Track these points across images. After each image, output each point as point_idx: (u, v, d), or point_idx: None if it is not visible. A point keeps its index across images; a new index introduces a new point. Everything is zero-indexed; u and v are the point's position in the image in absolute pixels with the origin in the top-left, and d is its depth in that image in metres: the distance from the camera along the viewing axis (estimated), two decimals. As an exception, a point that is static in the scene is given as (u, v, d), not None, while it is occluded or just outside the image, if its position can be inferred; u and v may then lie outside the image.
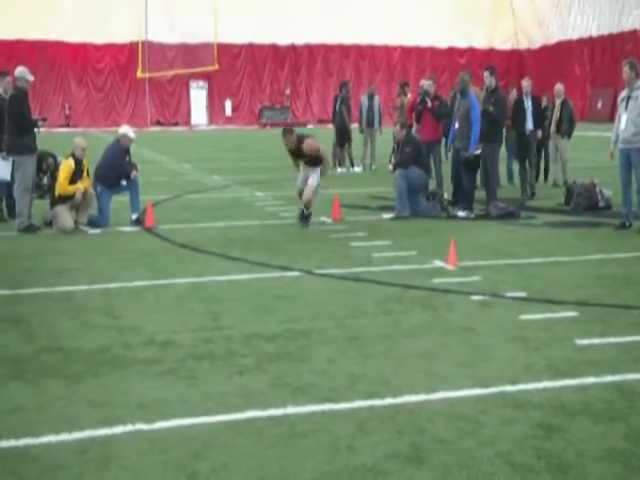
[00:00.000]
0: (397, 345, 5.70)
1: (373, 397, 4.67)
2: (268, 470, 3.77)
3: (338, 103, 19.96)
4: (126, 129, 11.59)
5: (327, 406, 4.55)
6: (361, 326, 6.18)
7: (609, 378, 4.96)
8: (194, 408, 4.53)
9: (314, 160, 11.23)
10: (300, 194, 11.32)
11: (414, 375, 5.07)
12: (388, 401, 4.61)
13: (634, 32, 44.89)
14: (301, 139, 11.15)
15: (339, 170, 19.53)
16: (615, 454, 3.92)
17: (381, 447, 4.01)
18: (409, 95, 19.42)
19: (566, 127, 15.47)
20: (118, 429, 4.23)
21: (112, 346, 5.72)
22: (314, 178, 11.19)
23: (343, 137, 19.82)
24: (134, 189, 11.23)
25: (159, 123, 47.76)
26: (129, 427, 4.25)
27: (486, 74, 12.61)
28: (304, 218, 11.17)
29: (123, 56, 47.87)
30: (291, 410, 4.49)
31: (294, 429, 4.24)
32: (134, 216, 11.14)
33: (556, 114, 15.43)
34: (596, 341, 5.70)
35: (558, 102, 15.57)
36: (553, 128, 15.40)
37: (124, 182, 11.21)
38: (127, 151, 11.43)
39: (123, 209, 11.39)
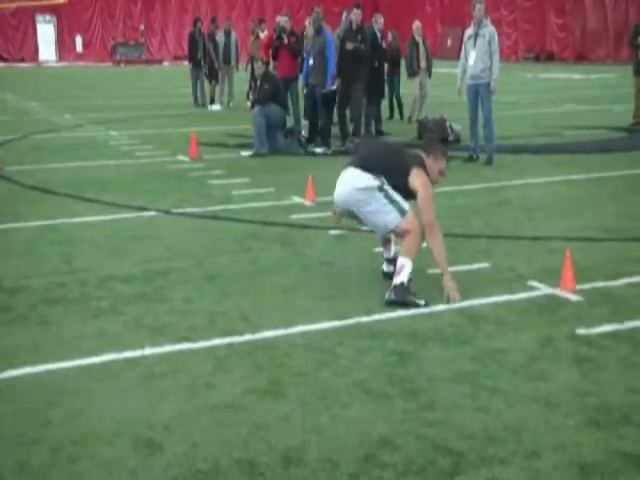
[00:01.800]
0: (256, 282, 5.69)
1: (232, 334, 4.64)
2: (126, 413, 3.68)
3: (203, 40, 19.55)
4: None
5: (185, 345, 4.49)
6: (220, 264, 6.11)
7: (457, 304, 5.14)
8: (47, 355, 4.34)
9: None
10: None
11: (273, 311, 5.07)
12: (247, 337, 4.60)
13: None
14: None
15: (215, 107, 19.22)
16: (463, 375, 4.09)
17: (240, 383, 4.00)
18: (265, 32, 19.14)
19: (429, 64, 15.75)
20: (-36, 381, 4.00)
21: (-44, 295, 5.39)
22: None
23: (213, 74, 19.55)
24: (-23, 129, 10.54)
25: (2, 59, 44.86)
26: (-24, 378, 4.03)
27: (358, 12, 12.43)
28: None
29: (-41, -13, 44.36)
30: (148, 351, 4.40)
31: (152, 370, 4.16)
32: (-22, 158, 10.48)
33: (422, 51, 15.60)
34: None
35: (420, 40, 15.73)
36: (423, 64, 15.57)
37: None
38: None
39: (-34, 151, 10.68)
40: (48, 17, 46.64)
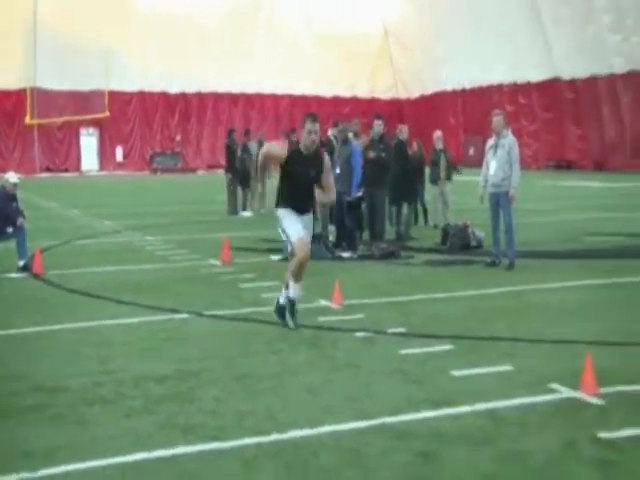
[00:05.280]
0: (284, 382, 5.73)
1: (260, 434, 4.67)
2: (157, 511, 3.71)
3: (240, 150, 20.23)
4: (10, 175, 11.23)
5: (216, 445, 4.52)
6: (249, 365, 6.18)
7: (481, 406, 5.13)
8: (83, 453, 4.40)
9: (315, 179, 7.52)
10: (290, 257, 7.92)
11: (300, 411, 5.10)
12: (275, 437, 4.63)
13: (500, 85, 47.34)
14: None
15: (247, 214, 19.74)
16: (487, 477, 4.07)
17: (268, 482, 4.02)
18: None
19: (450, 172, 16.13)
20: None
21: (-3, 394, 5.49)
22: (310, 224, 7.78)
23: (245, 182, 20.11)
24: (21, 236, 10.86)
25: (48, 169, 46.40)
26: (13, 476, 4.07)
27: (379, 122, 12.88)
28: (294, 310, 7.50)
29: (10, 102, 46.35)
30: (180, 450, 4.43)
31: (183, 469, 4.19)
32: (21, 262, 10.75)
33: (444, 160, 16.00)
34: (469, 372, 5.90)
35: (442, 148, 16.15)
36: (443, 174, 15.95)
37: (10, 229, 10.82)
38: (14, 197, 11.06)
39: (10, 256, 10.97)
40: (91, 130, 48.47)
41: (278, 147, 7.72)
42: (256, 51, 50.65)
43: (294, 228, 7.41)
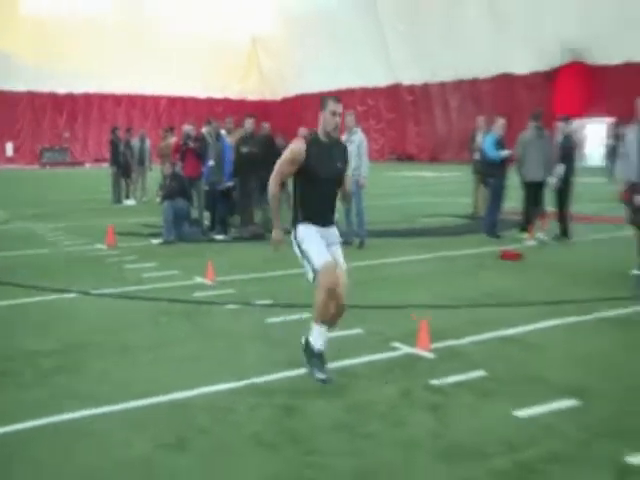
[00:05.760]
0: (164, 352, 5.61)
1: (144, 397, 4.55)
2: (46, 473, 3.55)
3: (122, 146, 19.72)
4: None
5: (103, 409, 4.37)
6: (133, 338, 6.00)
7: (337, 364, 5.23)
8: (-25, 425, 4.14)
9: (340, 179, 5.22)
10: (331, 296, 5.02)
11: (180, 376, 5.01)
12: (157, 400, 4.53)
13: (351, 89, 48.22)
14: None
15: (130, 202, 19.21)
16: (340, 424, 4.16)
17: (151, 440, 3.93)
18: (174, 138, 19.29)
19: None
20: None
21: None
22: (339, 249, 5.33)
23: (128, 174, 19.60)
24: None
25: (-62, 164, 43.00)
26: None
27: (250, 120, 12.73)
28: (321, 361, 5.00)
29: None
30: (70, 416, 4.25)
31: (73, 433, 4.03)
32: None
33: None
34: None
35: None
36: None
37: None
38: None
39: None
40: (-19, 126, 45.26)
41: (292, 146, 5.17)
42: (138, 55, 48.88)
43: (316, 249, 4.99)
